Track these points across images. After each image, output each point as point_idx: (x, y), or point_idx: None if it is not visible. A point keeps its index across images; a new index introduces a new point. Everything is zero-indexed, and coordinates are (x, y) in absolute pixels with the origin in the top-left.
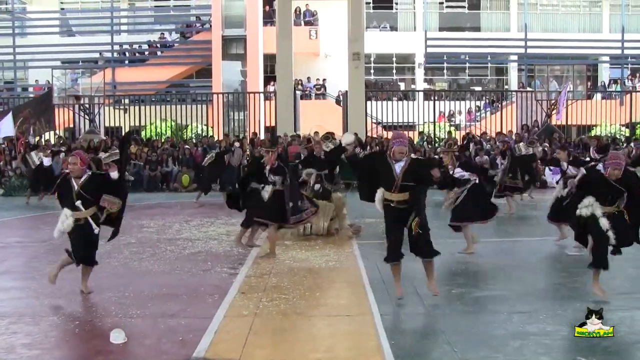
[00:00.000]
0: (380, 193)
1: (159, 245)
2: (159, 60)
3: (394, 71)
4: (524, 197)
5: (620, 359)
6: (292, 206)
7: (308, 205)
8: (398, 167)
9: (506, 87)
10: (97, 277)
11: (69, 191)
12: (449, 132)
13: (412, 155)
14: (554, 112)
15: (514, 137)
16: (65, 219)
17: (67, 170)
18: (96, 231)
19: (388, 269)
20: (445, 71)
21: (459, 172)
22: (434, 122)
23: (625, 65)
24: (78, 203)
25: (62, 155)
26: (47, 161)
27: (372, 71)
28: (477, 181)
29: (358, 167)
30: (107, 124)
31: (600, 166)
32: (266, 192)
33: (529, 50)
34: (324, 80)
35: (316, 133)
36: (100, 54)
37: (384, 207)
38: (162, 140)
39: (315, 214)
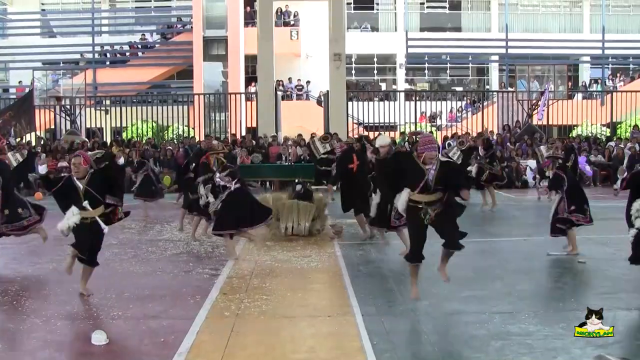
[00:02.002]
0: (405, 195)
1: (140, 246)
2: (140, 61)
3: (375, 72)
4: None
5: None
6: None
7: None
8: (431, 171)
9: (487, 87)
10: (79, 278)
11: (74, 192)
12: (430, 133)
13: (441, 158)
14: (535, 112)
15: (495, 137)
16: (72, 215)
17: (65, 174)
18: (105, 231)
19: (370, 269)
20: (426, 71)
21: None
22: (416, 122)
23: (605, 65)
24: (85, 203)
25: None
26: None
27: (353, 72)
28: None
29: (385, 169)
30: (88, 125)
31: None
32: None
33: (510, 51)
34: (307, 82)
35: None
36: (81, 55)
37: (409, 209)
38: (143, 142)
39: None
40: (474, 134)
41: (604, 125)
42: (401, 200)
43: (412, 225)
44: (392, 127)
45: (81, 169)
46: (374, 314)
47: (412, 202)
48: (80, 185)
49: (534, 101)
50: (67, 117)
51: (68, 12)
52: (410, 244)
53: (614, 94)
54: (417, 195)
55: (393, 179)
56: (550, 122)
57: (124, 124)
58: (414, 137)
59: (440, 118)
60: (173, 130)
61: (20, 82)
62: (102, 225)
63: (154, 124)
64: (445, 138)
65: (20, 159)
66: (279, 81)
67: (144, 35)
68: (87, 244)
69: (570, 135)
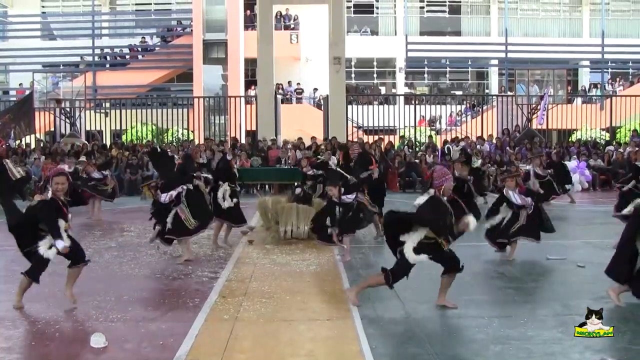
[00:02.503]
0: (422, 233)
1: (139, 249)
2: (140, 64)
3: (375, 75)
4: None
5: None
6: None
7: None
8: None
9: (487, 91)
10: (78, 280)
11: (59, 211)
12: (430, 136)
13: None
14: (534, 116)
15: (494, 141)
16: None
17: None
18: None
19: (369, 273)
20: (425, 75)
21: None
22: (415, 126)
23: (605, 70)
24: (70, 217)
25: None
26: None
27: (352, 75)
28: None
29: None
30: (88, 128)
31: None
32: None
33: (510, 55)
34: (315, 90)
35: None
36: (81, 57)
37: (423, 245)
38: (143, 144)
39: None
40: (474, 138)
41: (603, 130)
42: (416, 237)
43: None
44: (391, 131)
45: (64, 188)
46: (373, 318)
47: (426, 239)
48: (62, 201)
49: (534, 105)
50: (67, 120)
51: (68, 14)
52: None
53: (614, 98)
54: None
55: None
56: (549, 127)
57: (123, 127)
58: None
59: (440, 122)
60: (173, 133)
61: (20, 84)
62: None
63: (154, 127)
64: (445, 142)
65: (22, 173)
66: (279, 84)
67: (144, 38)
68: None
69: (570, 139)
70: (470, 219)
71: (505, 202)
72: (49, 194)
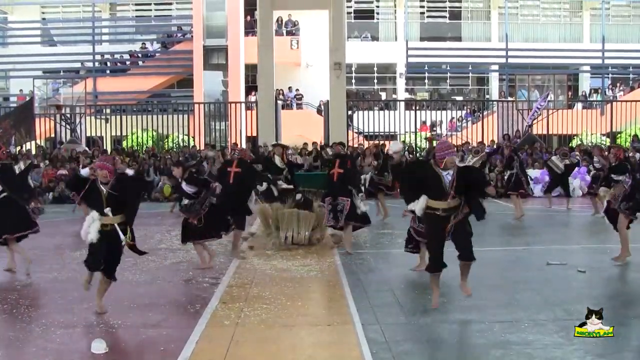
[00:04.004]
0: (423, 201)
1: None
2: (141, 70)
3: (375, 81)
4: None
5: None
6: None
7: None
8: (447, 177)
9: (487, 96)
10: (78, 286)
11: (97, 196)
12: (427, 139)
13: (459, 164)
14: (534, 120)
15: (495, 146)
16: (92, 221)
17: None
18: (123, 241)
19: (370, 278)
20: (426, 81)
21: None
22: (416, 131)
23: (605, 75)
24: (107, 210)
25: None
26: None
27: (353, 81)
28: None
29: (400, 177)
30: (88, 134)
31: None
32: None
33: (510, 60)
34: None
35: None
36: (81, 63)
37: (427, 216)
38: (143, 150)
39: None
40: (475, 144)
41: (603, 135)
42: (419, 206)
43: (431, 233)
44: (392, 137)
45: (106, 174)
46: (373, 323)
47: (429, 209)
48: (103, 189)
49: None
50: (67, 126)
51: (68, 20)
52: (430, 252)
53: (614, 103)
54: (434, 202)
55: (411, 187)
56: (550, 132)
57: (124, 133)
58: (432, 141)
59: (441, 127)
60: (173, 139)
61: (21, 90)
62: (121, 234)
63: (154, 133)
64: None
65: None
66: (279, 90)
67: (144, 44)
68: (103, 254)
69: (570, 144)
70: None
71: None
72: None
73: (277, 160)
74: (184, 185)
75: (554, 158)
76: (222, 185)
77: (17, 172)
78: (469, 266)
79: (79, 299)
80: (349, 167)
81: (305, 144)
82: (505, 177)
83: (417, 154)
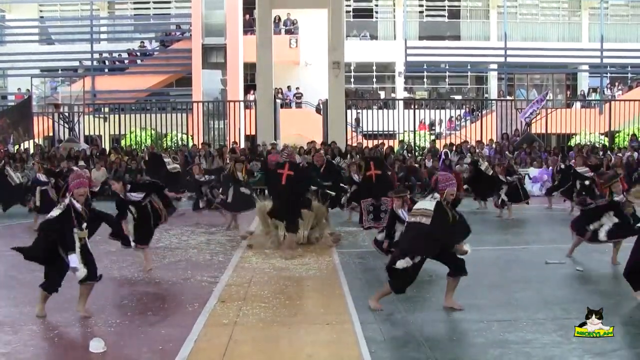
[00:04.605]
0: None
1: (138, 254)
2: (139, 68)
3: (374, 80)
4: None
5: None
6: None
7: None
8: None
9: (486, 95)
10: (77, 285)
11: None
12: (433, 141)
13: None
14: (532, 119)
15: (494, 145)
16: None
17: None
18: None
19: (368, 277)
20: (425, 80)
21: None
22: (414, 130)
23: (604, 74)
24: (84, 225)
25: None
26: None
27: (352, 80)
28: None
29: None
30: (86, 133)
31: None
32: None
33: (509, 59)
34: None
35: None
36: (80, 62)
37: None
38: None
39: None
40: (473, 142)
41: (602, 134)
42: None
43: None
44: (391, 136)
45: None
46: (372, 322)
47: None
48: (79, 207)
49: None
50: (66, 125)
51: (67, 19)
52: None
53: (612, 102)
54: None
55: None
56: (548, 131)
57: (122, 132)
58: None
59: (440, 126)
60: (172, 138)
61: (19, 89)
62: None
63: (153, 132)
64: (445, 146)
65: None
66: (278, 89)
67: (143, 42)
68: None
69: (569, 143)
70: (467, 246)
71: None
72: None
73: (239, 175)
74: (131, 195)
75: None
76: (273, 189)
77: (17, 179)
78: (457, 282)
79: (76, 298)
80: (385, 168)
81: (314, 142)
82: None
83: (416, 153)
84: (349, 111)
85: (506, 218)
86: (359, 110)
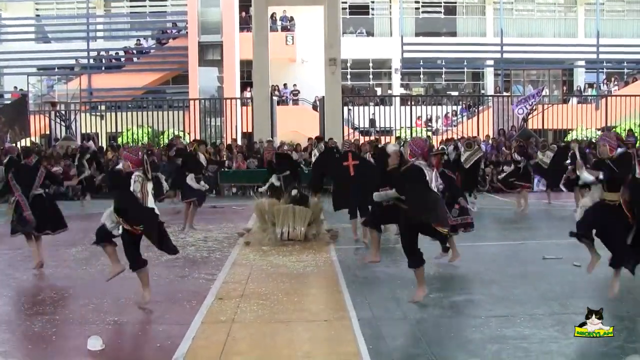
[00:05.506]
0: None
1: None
2: (135, 66)
3: (371, 76)
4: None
5: None
6: None
7: None
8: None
9: (482, 91)
10: (74, 283)
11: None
12: (427, 137)
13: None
14: (529, 115)
15: (490, 141)
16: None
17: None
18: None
19: (366, 274)
20: (421, 76)
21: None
22: (411, 126)
23: (600, 70)
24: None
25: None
26: None
27: (348, 76)
28: None
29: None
30: (83, 131)
31: None
32: None
33: (505, 55)
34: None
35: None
36: (76, 60)
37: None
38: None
39: None
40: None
41: (598, 130)
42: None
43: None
44: (387, 132)
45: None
46: (370, 319)
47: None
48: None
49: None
50: (62, 123)
51: (63, 17)
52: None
53: (609, 98)
54: None
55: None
56: (545, 127)
57: (119, 130)
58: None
59: (437, 122)
60: (168, 135)
61: (15, 87)
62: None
63: (150, 130)
64: (441, 143)
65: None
66: (275, 86)
67: (139, 40)
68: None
69: (565, 139)
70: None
71: None
72: None
73: (202, 157)
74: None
75: (539, 154)
76: (342, 182)
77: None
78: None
79: (74, 297)
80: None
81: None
82: (511, 168)
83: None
84: (345, 108)
85: (522, 210)
86: (350, 108)
